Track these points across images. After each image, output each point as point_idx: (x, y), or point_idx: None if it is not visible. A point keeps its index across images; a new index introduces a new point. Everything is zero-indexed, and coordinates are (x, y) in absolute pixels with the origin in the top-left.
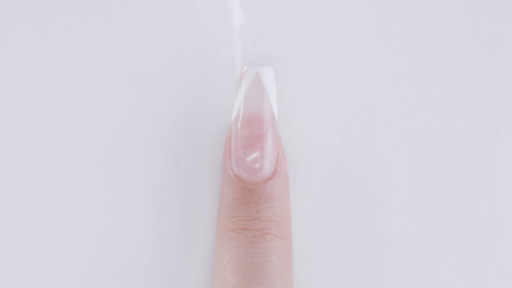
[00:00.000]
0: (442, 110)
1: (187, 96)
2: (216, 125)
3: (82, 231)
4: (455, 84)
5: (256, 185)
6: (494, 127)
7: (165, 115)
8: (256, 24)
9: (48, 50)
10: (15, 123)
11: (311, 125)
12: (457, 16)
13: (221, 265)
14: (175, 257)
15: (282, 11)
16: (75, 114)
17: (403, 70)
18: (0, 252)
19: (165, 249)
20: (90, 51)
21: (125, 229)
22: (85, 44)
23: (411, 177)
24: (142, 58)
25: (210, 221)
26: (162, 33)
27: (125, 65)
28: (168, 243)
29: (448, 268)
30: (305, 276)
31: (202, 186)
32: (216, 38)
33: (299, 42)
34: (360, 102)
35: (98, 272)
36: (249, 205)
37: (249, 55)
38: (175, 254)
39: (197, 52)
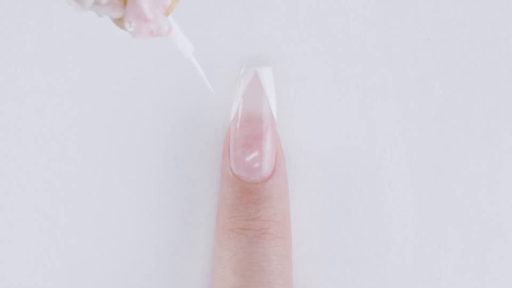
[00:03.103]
0: (442, 110)
1: (187, 97)
2: (215, 125)
3: (83, 231)
4: (455, 84)
5: (255, 185)
6: (494, 127)
7: (165, 116)
8: (255, 23)
9: (48, 51)
10: (15, 124)
11: (310, 125)
12: (457, 16)
13: (220, 264)
14: (175, 257)
15: (281, 11)
16: (75, 114)
17: (403, 70)
18: (0, 252)
19: (165, 249)
20: (90, 52)
21: (125, 229)
22: (85, 44)
23: (411, 177)
24: (142, 58)
25: (210, 221)
26: None
27: (125, 65)
28: (168, 243)
29: (448, 268)
30: (305, 276)
31: (201, 186)
32: (215, 38)
33: (298, 41)
34: (359, 102)
35: (98, 272)
36: (248, 205)
37: (248, 55)
38: (175, 254)
39: (197, 52)
